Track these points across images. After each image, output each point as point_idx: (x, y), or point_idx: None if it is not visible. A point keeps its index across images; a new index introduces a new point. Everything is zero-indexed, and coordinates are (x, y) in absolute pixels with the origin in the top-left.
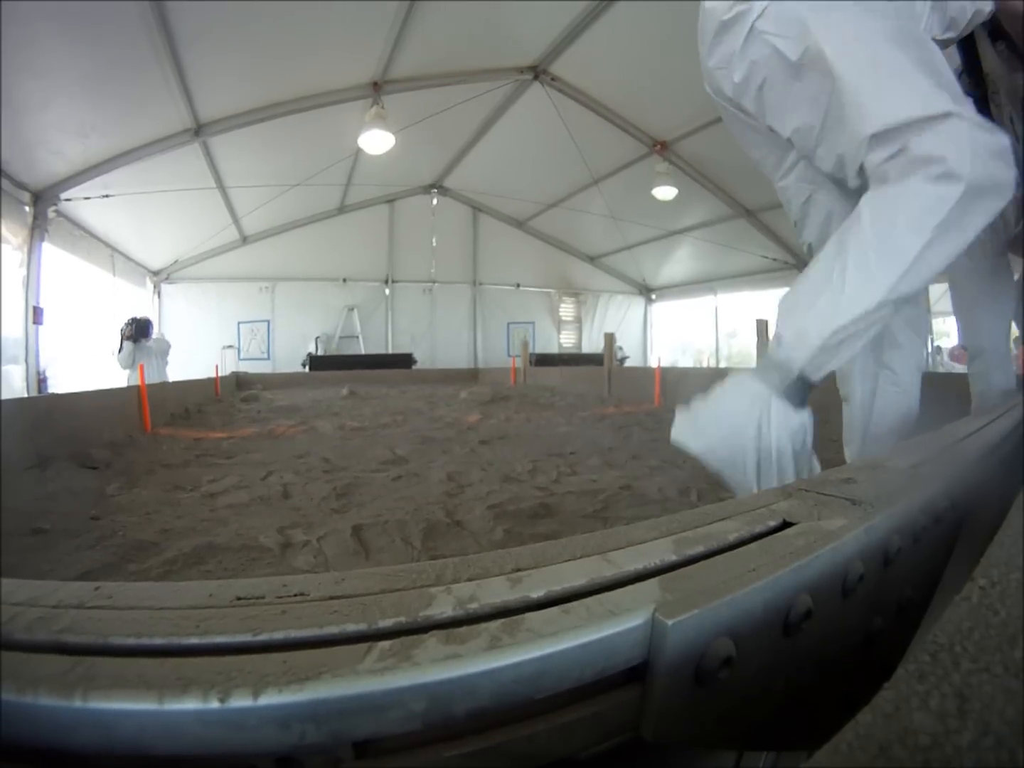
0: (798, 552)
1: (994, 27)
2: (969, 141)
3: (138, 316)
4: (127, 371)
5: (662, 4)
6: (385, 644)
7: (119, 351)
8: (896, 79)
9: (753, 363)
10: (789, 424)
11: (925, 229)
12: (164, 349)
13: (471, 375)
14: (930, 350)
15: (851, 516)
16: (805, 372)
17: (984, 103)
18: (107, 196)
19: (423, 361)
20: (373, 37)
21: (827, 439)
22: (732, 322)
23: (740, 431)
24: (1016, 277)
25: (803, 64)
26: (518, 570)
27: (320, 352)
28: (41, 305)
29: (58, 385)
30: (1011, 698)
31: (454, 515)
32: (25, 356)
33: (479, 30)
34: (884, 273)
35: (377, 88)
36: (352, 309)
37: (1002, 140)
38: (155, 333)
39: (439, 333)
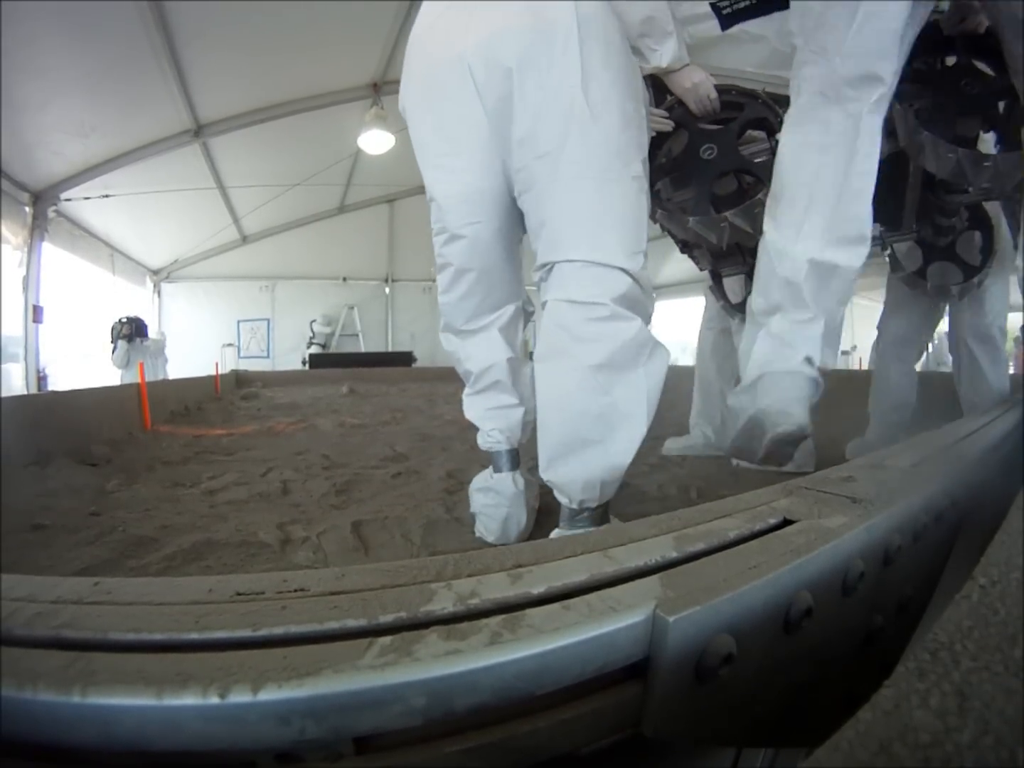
0: (798, 550)
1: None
2: None
3: (131, 315)
4: (121, 371)
5: None
6: (386, 639)
7: (113, 351)
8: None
9: None
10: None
11: None
12: (160, 348)
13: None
14: (931, 351)
15: (851, 514)
16: None
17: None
18: (107, 196)
19: (423, 359)
20: (373, 37)
21: (828, 437)
22: None
23: None
24: None
25: None
26: (519, 566)
27: (320, 333)
28: (41, 304)
29: (58, 383)
30: (1011, 697)
31: (454, 511)
32: (24, 355)
33: None
34: None
35: (377, 89)
36: (352, 308)
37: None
38: (151, 332)
39: (439, 331)
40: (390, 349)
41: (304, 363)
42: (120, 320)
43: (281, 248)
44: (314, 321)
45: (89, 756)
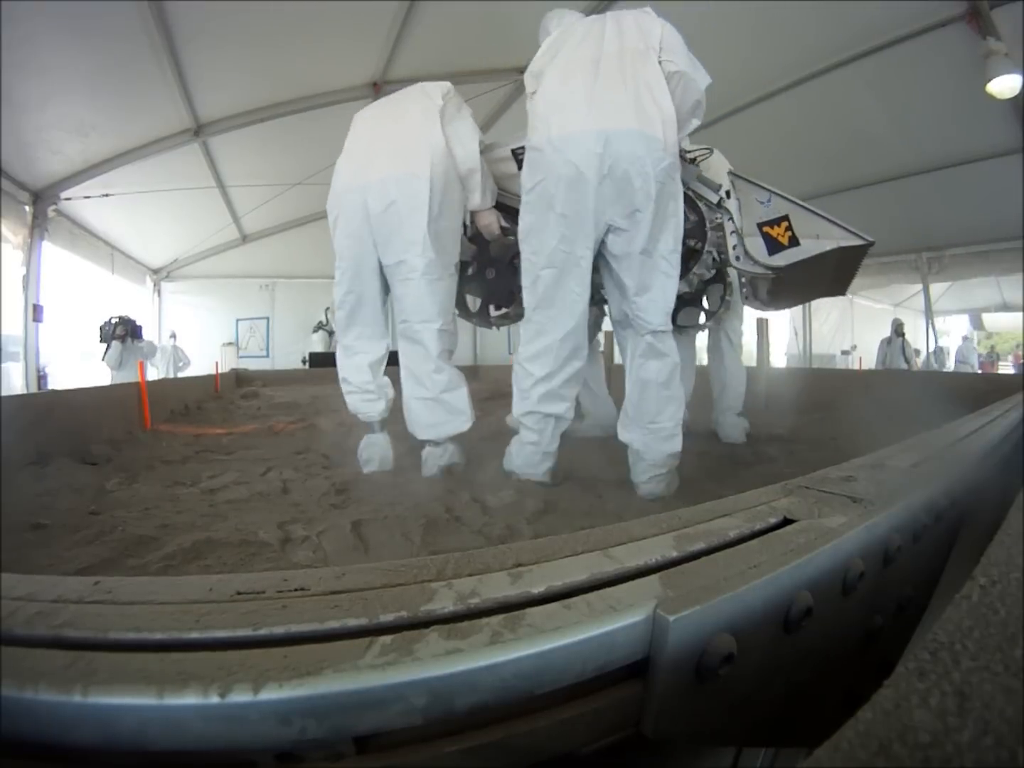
0: (799, 549)
1: None
2: None
3: (122, 316)
4: (113, 371)
5: (662, 4)
6: (386, 639)
7: (106, 351)
8: None
9: (753, 360)
10: None
11: None
12: (152, 350)
13: (471, 373)
14: (932, 349)
15: (851, 514)
16: None
17: None
18: (107, 195)
19: None
20: (373, 37)
21: (827, 437)
22: None
23: None
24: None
25: None
26: (519, 565)
27: (330, 323)
28: (41, 303)
29: (57, 382)
30: (1011, 697)
31: (454, 510)
32: (24, 354)
33: (479, 30)
34: None
35: (377, 88)
36: None
37: None
38: (162, 332)
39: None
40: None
41: (304, 362)
42: (110, 320)
43: (281, 247)
44: (328, 308)
45: (90, 756)
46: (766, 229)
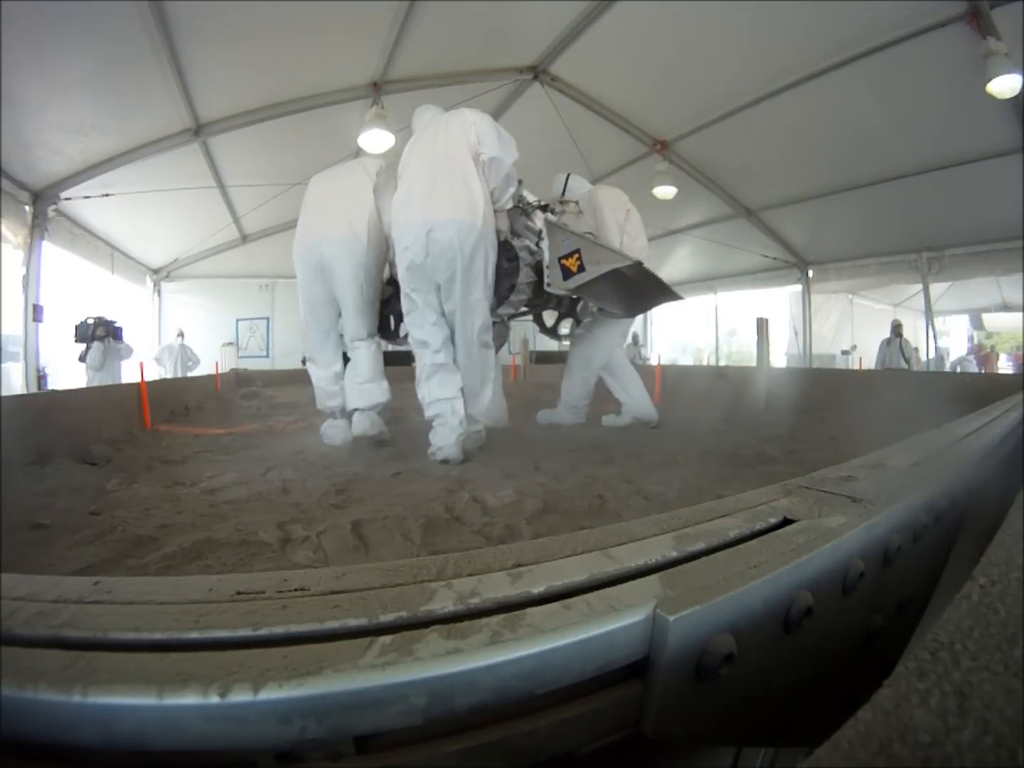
0: (799, 549)
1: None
2: None
3: (100, 317)
4: (92, 372)
5: (662, 4)
6: (386, 639)
7: (86, 351)
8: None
9: (753, 360)
10: None
11: None
12: (129, 351)
13: None
14: (931, 356)
15: (852, 514)
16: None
17: None
18: (107, 195)
19: None
20: (373, 37)
21: (827, 437)
22: (732, 320)
23: None
24: None
25: None
26: (519, 565)
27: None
28: (41, 303)
29: (57, 382)
30: (1011, 697)
31: (454, 510)
32: (24, 354)
33: (479, 30)
34: None
35: (378, 89)
36: None
37: None
38: (171, 332)
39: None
40: (390, 349)
41: (304, 363)
42: (86, 321)
43: (281, 247)
44: None
45: (90, 756)
46: (562, 261)
